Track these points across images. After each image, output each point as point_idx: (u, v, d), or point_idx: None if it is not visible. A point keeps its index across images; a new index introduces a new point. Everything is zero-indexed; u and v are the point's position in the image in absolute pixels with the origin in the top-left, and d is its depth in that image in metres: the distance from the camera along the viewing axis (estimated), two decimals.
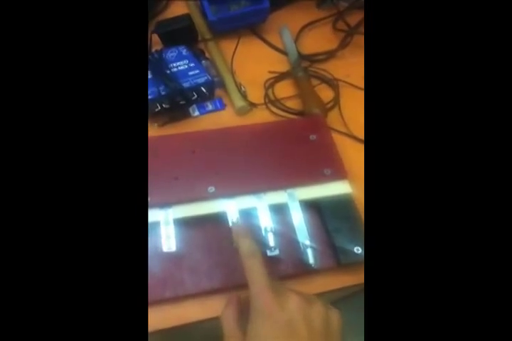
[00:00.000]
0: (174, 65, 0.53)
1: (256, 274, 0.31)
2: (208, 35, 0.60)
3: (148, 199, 0.40)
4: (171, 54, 0.54)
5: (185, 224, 0.41)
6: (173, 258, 0.39)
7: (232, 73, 0.55)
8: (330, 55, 0.59)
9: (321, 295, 0.41)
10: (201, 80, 0.51)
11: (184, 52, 0.54)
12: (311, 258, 0.39)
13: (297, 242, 0.40)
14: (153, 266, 0.38)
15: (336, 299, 0.77)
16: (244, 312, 0.32)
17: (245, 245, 0.32)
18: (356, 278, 0.41)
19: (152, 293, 0.37)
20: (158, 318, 0.38)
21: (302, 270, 0.40)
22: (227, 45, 0.59)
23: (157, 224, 0.40)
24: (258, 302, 0.29)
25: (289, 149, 0.45)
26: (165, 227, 0.39)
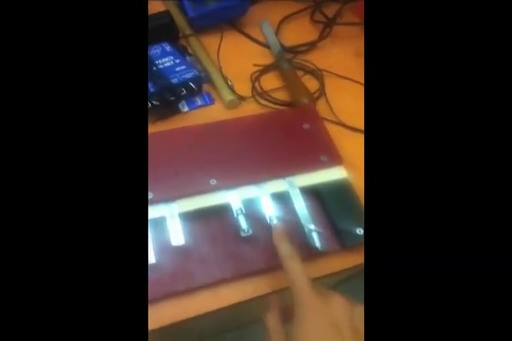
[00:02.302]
0: (160, 61, 0.53)
1: (297, 274, 0.32)
2: (188, 31, 0.60)
3: (151, 195, 0.40)
4: (154, 51, 0.54)
5: (191, 218, 0.41)
6: (182, 251, 0.39)
7: (220, 68, 0.55)
8: (311, 46, 0.60)
9: (324, 278, 0.43)
10: (189, 75, 0.52)
11: (168, 48, 0.54)
12: (317, 241, 0.40)
13: (301, 227, 0.41)
14: (164, 260, 0.39)
15: (336, 282, 0.79)
16: (286, 317, 0.33)
17: (284, 247, 0.34)
18: (359, 259, 0.43)
19: (165, 287, 0.38)
20: (172, 311, 0.38)
21: (308, 253, 0.41)
22: (209, 41, 0.60)
23: (163, 219, 0.40)
24: (302, 299, 0.30)
25: (284, 139, 0.46)
26: (171, 222, 0.40)
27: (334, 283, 0.82)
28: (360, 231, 0.41)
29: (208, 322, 0.74)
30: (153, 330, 0.37)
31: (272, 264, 0.41)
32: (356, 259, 0.42)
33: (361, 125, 0.52)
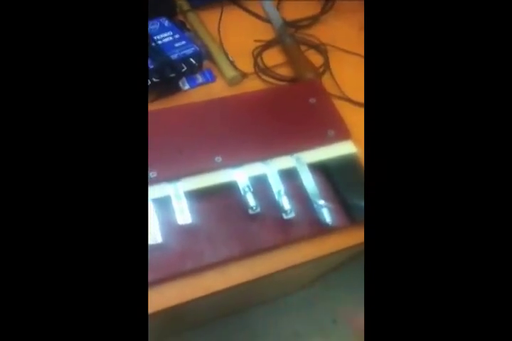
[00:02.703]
0: (158, 37, 0.51)
1: None
2: (186, 7, 0.58)
3: (156, 174, 0.39)
4: (152, 26, 0.52)
5: (197, 196, 0.40)
6: (189, 230, 0.38)
7: (221, 43, 0.53)
8: (313, 20, 0.58)
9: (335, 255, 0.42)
10: (189, 51, 0.50)
11: (166, 23, 0.52)
12: (327, 216, 0.39)
13: (311, 203, 0.40)
14: (171, 239, 0.37)
15: (339, 264, 0.79)
16: None
17: None
18: None
19: (173, 266, 0.37)
20: (181, 291, 0.37)
21: (318, 230, 0.40)
22: (208, 16, 0.57)
23: (168, 198, 0.39)
24: None
25: (290, 114, 0.45)
26: (177, 201, 0.39)
27: (335, 266, 0.82)
28: None
29: (210, 305, 0.74)
30: (155, 314, 0.36)
31: (280, 242, 0.40)
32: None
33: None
